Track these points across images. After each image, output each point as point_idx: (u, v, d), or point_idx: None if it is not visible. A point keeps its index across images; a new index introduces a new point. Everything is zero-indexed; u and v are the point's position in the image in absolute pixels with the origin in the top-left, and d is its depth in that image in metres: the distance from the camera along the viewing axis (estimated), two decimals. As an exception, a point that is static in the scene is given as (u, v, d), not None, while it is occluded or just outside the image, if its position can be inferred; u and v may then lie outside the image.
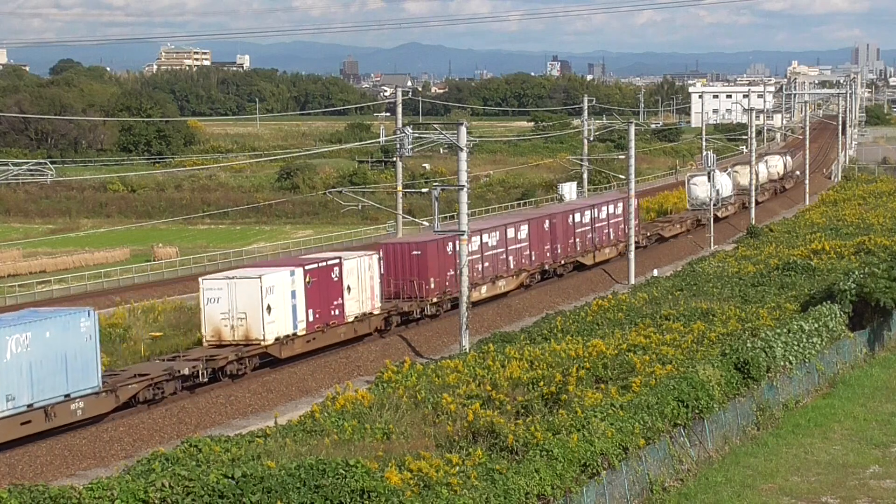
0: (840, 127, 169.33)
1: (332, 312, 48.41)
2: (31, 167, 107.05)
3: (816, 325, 45.20)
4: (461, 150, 49.18)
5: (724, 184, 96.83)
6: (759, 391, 39.05)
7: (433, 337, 54.29)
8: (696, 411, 35.01)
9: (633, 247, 71.70)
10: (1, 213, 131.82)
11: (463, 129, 49.44)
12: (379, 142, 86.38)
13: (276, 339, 45.03)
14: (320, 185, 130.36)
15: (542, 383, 38.78)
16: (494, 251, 60.41)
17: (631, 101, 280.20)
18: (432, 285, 54.36)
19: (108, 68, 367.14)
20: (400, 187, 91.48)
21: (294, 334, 46.17)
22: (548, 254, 66.16)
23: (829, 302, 48.89)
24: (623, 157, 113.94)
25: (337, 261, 49.02)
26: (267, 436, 33.85)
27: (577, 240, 69.80)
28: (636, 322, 50.31)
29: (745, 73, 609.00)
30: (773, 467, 34.57)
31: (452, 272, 54.86)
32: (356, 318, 50.07)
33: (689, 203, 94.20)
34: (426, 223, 62.38)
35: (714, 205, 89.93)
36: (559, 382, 38.44)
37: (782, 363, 40.85)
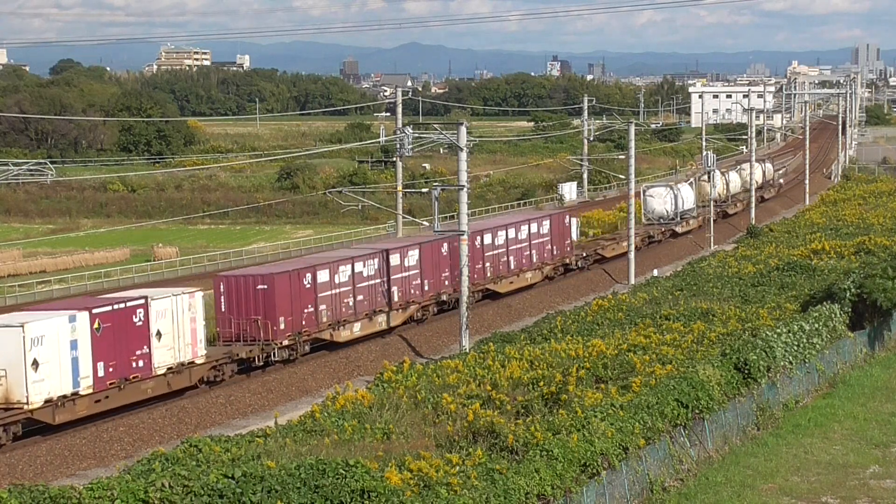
0: (840, 127, 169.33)
1: (135, 364, 40.03)
2: (31, 167, 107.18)
3: (816, 325, 45.20)
4: (461, 150, 49.18)
5: (686, 196, 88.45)
6: (759, 391, 39.05)
7: (433, 337, 54.29)
8: (696, 411, 35.01)
9: (632, 247, 71.69)
10: (1, 213, 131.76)
11: (463, 129, 49.45)
12: (379, 142, 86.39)
13: (48, 400, 36.55)
14: (320, 185, 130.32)
15: (542, 383, 38.78)
16: (370, 282, 50.91)
17: (631, 101, 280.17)
18: (282, 325, 45.40)
19: (108, 68, 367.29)
20: (400, 187, 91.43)
21: (75, 394, 37.56)
22: (446, 282, 56.39)
23: (829, 302, 48.89)
24: (623, 157, 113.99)
25: (141, 301, 40.41)
26: (267, 436, 33.85)
27: (488, 264, 60.16)
28: (636, 322, 50.31)
29: (745, 73, 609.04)
30: (773, 467, 34.57)
31: (311, 308, 46.79)
32: (170, 369, 41.35)
33: (645, 217, 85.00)
34: (426, 223, 62.39)
35: (672, 219, 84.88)
36: (559, 382, 38.44)
37: (782, 363, 40.86)
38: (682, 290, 59.56)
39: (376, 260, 51.46)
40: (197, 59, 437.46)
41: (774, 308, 52.15)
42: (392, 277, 52.24)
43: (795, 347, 42.45)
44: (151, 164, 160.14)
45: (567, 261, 69.39)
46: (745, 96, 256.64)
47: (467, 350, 47.80)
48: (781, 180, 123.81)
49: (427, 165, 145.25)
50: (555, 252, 67.33)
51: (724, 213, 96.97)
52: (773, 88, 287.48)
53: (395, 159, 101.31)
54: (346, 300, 49.04)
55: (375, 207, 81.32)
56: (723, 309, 51.68)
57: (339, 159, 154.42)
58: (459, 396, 37.53)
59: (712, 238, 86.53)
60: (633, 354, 42.14)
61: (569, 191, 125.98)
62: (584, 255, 72.64)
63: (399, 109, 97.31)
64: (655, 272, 72.45)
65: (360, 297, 49.90)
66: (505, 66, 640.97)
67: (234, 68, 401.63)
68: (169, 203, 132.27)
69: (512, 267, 62.76)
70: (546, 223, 66.82)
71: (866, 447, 36.67)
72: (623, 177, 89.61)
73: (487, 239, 60.17)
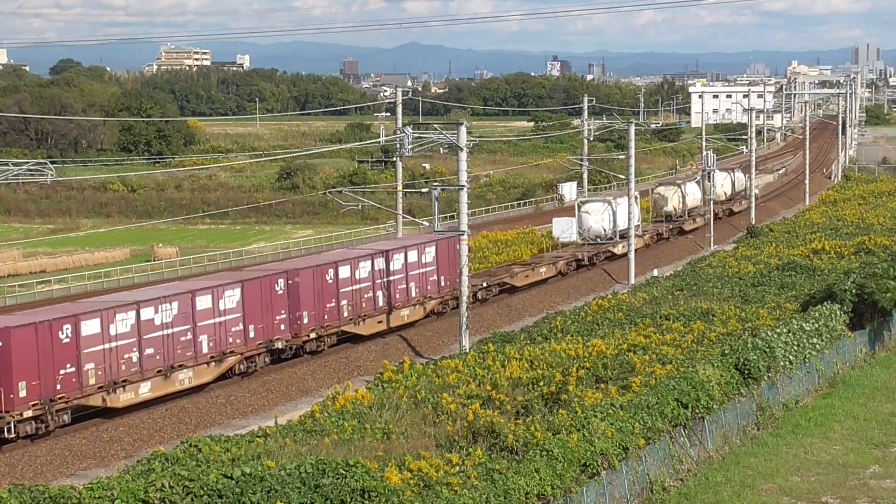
0: (840, 127, 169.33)
1: None
2: (31, 167, 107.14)
3: (816, 325, 45.20)
4: (461, 150, 49.19)
5: (627, 211, 75.77)
6: (759, 391, 39.05)
7: (433, 337, 54.29)
8: (696, 411, 35.01)
9: (632, 246, 71.67)
10: (1, 213, 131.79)
11: (463, 129, 49.45)
12: (379, 142, 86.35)
13: None
14: (320, 185, 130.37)
15: (542, 383, 38.78)
16: (170, 330, 41.12)
17: (631, 101, 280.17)
18: (23, 392, 35.84)
19: (109, 68, 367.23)
20: (400, 187, 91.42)
21: None
22: (282, 326, 46.08)
23: (829, 302, 48.88)
24: (623, 157, 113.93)
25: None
26: (267, 436, 33.85)
27: (345, 302, 49.08)
28: (636, 322, 50.32)
29: (745, 73, 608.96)
30: (773, 467, 34.57)
31: (65, 371, 37.26)
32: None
33: (579, 235, 75.91)
34: (426, 223, 62.37)
35: (609, 238, 75.65)
36: (559, 382, 38.44)
37: (782, 363, 40.85)
38: (682, 290, 59.57)
39: (177, 302, 41.35)
40: (197, 59, 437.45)
41: (774, 308, 52.15)
42: (199, 324, 42.19)
43: (795, 347, 42.44)
44: (151, 164, 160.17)
45: (472, 290, 56.05)
46: (745, 96, 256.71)
47: (467, 350, 47.80)
48: (757, 190, 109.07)
49: (427, 165, 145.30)
50: (443, 283, 55.83)
51: (680, 230, 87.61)
52: (773, 88, 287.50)
53: (395, 159, 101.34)
54: (126, 355, 39.23)
55: (375, 207, 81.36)
56: (723, 309, 51.68)
57: (339, 159, 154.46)
58: (459, 396, 37.54)
59: (712, 238, 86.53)
60: (633, 354, 42.14)
61: (569, 191, 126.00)
62: (486, 285, 61.09)
63: (399, 109, 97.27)
64: (655, 272, 72.45)
65: (149, 351, 40.11)
66: (505, 66, 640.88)
67: (234, 68, 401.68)
68: (169, 203, 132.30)
69: (380, 304, 51.43)
70: (430, 250, 55.40)
71: (866, 447, 36.67)
72: (623, 177, 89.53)
73: (344, 272, 49.24)
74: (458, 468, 28.46)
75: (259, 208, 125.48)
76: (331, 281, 48.13)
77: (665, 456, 32.94)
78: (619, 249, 75.00)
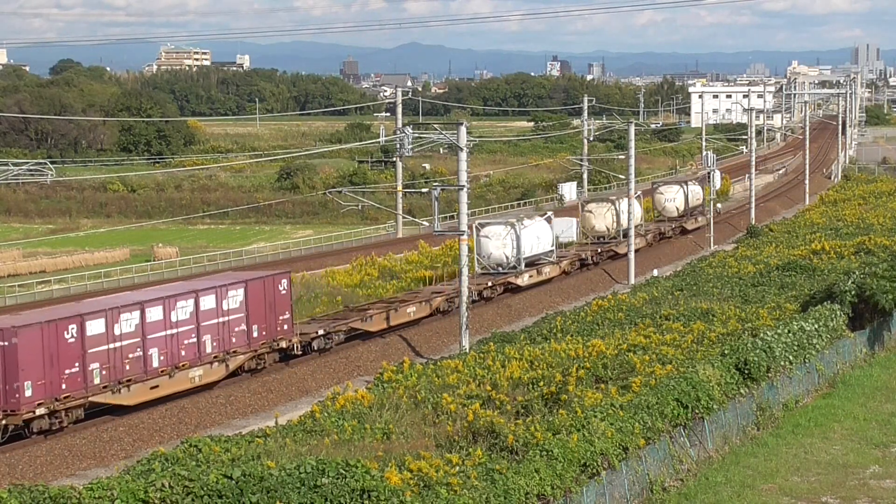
0: (840, 127, 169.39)
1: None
2: (31, 167, 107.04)
3: (816, 325, 45.19)
4: (461, 150, 49.19)
5: (536, 235, 66.68)
6: (759, 391, 39.04)
7: (433, 337, 54.29)
8: (696, 411, 35.00)
9: (632, 246, 71.69)
10: (1, 213, 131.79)
11: (463, 129, 49.45)
12: (379, 142, 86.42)
13: None
14: (320, 185, 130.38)
15: (542, 383, 38.78)
16: None
17: (631, 101, 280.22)
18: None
19: (108, 68, 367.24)
20: (400, 187, 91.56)
21: None
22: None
23: (829, 302, 48.88)
24: (623, 157, 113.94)
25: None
26: (267, 436, 33.84)
27: (95, 366, 37.97)
28: (636, 322, 50.31)
29: (745, 73, 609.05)
30: (773, 467, 34.57)
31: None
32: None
33: (479, 264, 64.34)
34: (426, 223, 62.36)
35: (513, 267, 63.98)
36: (559, 382, 38.44)
37: (782, 363, 40.85)
38: (682, 290, 59.56)
39: None
40: (197, 59, 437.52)
41: (774, 308, 52.13)
42: None
43: (795, 347, 42.43)
44: (151, 164, 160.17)
45: (283, 344, 46.38)
46: (745, 96, 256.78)
47: (467, 350, 47.80)
48: (720, 205, 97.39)
49: (427, 165, 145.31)
50: (256, 334, 44.95)
51: (614, 253, 76.41)
52: (772, 88, 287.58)
53: (395, 159, 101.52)
54: None
55: (375, 207, 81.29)
56: (723, 309, 51.67)
57: (339, 159, 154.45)
58: (459, 396, 37.53)
59: (712, 238, 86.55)
60: (633, 354, 42.13)
61: (569, 191, 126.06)
62: (321, 332, 48.45)
63: (399, 109, 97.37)
64: (655, 272, 72.47)
65: None
66: (505, 66, 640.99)
67: (234, 68, 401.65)
68: (169, 203, 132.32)
69: (156, 364, 40.60)
70: (236, 293, 44.15)
71: (866, 447, 36.66)
72: (623, 177, 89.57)
73: (97, 326, 38.33)
74: (458, 468, 28.45)
75: (259, 208, 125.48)
76: (72, 340, 37.39)
77: (665, 456, 32.93)
78: (523, 280, 64.10)
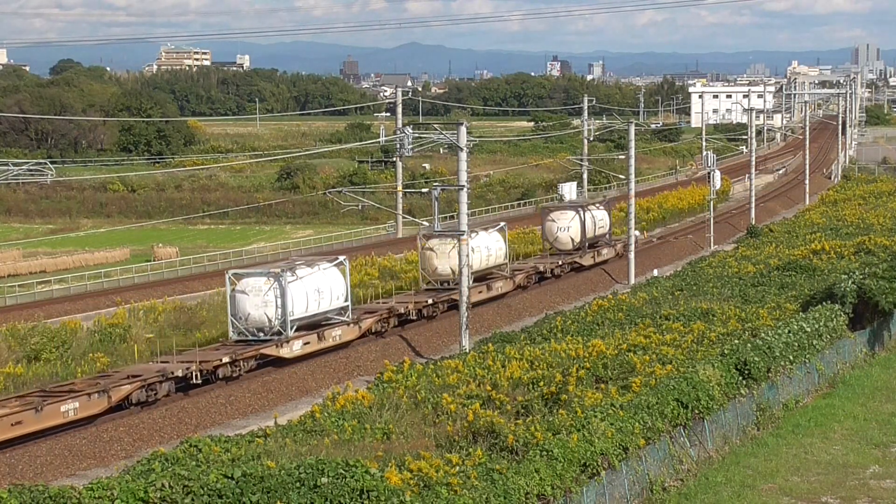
0: (840, 127, 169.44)
1: None
2: (31, 167, 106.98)
3: (816, 325, 45.19)
4: (461, 150, 49.19)
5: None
6: (759, 391, 39.05)
7: (433, 337, 54.28)
8: (696, 411, 35.00)
9: (632, 245, 71.69)
10: (1, 213, 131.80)
11: (463, 129, 49.46)
12: (379, 142, 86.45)
13: None
14: (320, 185, 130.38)
15: (542, 383, 38.77)
16: None
17: (631, 101, 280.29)
18: None
19: (108, 68, 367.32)
20: (400, 187, 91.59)
21: None
22: None
23: (829, 302, 48.89)
24: (623, 157, 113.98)
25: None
26: (267, 436, 33.84)
27: None
28: (636, 322, 50.30)
29: (745, 73, 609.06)
30: (773, 467, 34.57)
31: None
32: None
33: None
34: (426, 223, 62.36)
35: (276, 332, 47.32)
36: (559, 382, 38.43)
37: (782, 363, 40.85)
38: (682, 290, 59.55)
39: None
40: (197, 59, 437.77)
41: (774, 308, 52.13)
42: None
43: (795, 347, 42.44)
44: (151, 164, 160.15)
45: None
46: (745, 96, 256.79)
47: (467, 350, 47.81)
48: (638, 232, 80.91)
49: (427, 165, 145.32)
50: None
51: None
52: (773, 88, 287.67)
53: (395, 159, 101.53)
54: None
55: (375, 207, 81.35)
56: (723, 309, 51.66)
57: (339, 159, 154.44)
58: (459, 396, 37.53)
59: (712, 238, 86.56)
60: (633, 354, 42.13)
61: (569, 191, 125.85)
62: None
63: (399, 109, 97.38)
64: (655, 272, 72.47)
65: None
66: (505, 66, 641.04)
67: (234, 68, 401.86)
68: (169, 203, 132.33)
69: None
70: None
71: (866, 447, 36.66)
72: (623, 177, 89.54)
73: None
74: (458, 468, 28.44)
75: (259, 208, 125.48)
76: None
77: (665, 456, 32.93)
78: (289, 349, 48.92)
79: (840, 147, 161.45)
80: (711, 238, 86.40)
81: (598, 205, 78.09)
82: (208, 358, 43.43)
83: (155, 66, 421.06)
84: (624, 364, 41.01)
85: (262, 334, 46.98)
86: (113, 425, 38.67)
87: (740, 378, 38.17)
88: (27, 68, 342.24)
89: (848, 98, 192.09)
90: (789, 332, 43.11)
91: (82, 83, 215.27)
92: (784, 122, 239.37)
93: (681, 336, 45.95)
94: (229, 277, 48.07)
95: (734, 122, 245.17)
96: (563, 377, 39.04)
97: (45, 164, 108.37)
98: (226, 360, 43.82)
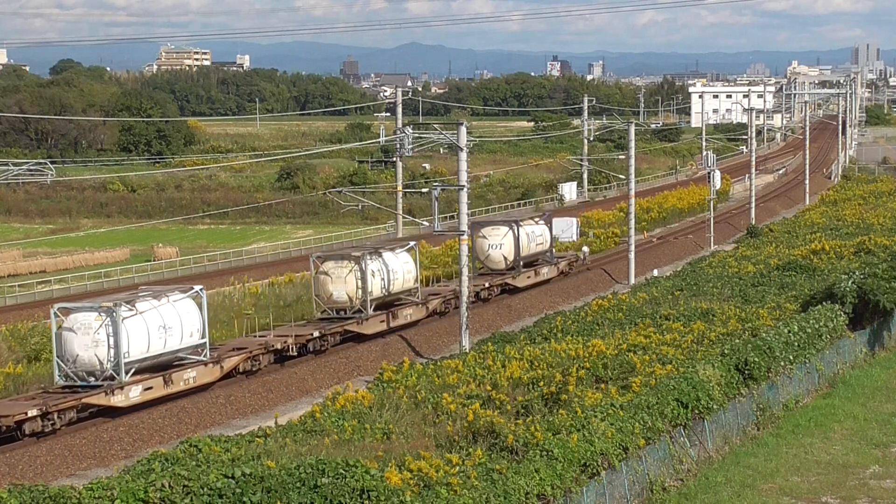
0: (840, 127, 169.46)
1: None
2: (31, 167, 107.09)
3: (817, 325, 45.20)
4: (461, 150, 49.20)
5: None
6: (759, 391, 39.04)
7: (433, 337, 54.27)
8: (696, 411, 35.00)
9: (632, 246, 71.68)
10: (1, 213, 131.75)
11: (463, 129, 49.47)
12: (379, 142, 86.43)
13: None
14: (320, 185, 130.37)
15: (542, 383, 38.77)
16: None
17: (631, 101, 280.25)
18: None
19: (108, 68, 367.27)
20: (400, 187, 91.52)
21: None
22: None
23: (829, 302, 48.88)
24: (623, 157, 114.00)
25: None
26: (267, 436, 33.85)
27: None
28: (636, 322, 50.29)
29: (745, 73, 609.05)
30: (773, 467, 34.56)
31: None
32: None
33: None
34: (426, 223, 62.34)
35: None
36: (559, 382, 38.43)
37: (782, 363, 40.85)
38: (682, 290, 59.54)
39: None
40: (197, 59, 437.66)
41: (774, 308, 52.13)
42: None
43: (795, 347, 42.44)
44: (151, 164, 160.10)
45: None
46: (745, 96, 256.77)
47: (467, 350, 47.82)
48: (586, 248, 76.98)
49: (427, 165, 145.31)
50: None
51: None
52: (773, 88, 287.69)
53: (395, 159, 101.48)
54: None
55: (375, 207, 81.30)
56: (723, 309, 51.66)
57: (339, 159, 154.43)
58: (459, 396, 37.53)
59: (712, 238, 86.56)
60: (633, 354, 42.13)
61: (569, 191, 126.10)
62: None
63: (399, 109, 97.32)
64: (655, 272, 72.47)
65: None
66: (505, 66, 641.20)
67: (234, 68, 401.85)
68: (169, 203, 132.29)
69: None
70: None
71: (866, 447, 36.66)
72: (623, 177, 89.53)
73: None
74: (458, 468, 28.44)
75: (259, 208, 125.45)
76: None
77: (665, 456, 32.93)
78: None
79: (840, 147, 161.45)
80: (711, 238, 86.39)
81: (536, 219, 70.78)
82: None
83: (155, 66, 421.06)
84: (624, 364, 41.01)
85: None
86: (113, 425, 38.67)
87: (740, 378, 38.17)
88: (27, 68, 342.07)
89: (848, 98, 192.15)
90: (789, 332, 43.11)
91: (82, 83, 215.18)
92: (784, 122, 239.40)
93: (681, 336, 45.95)
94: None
95: (734, 122, 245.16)
96: (563, 377, 39.04)
97: (45, 164, 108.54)
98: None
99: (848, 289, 49.47)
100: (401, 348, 51.80)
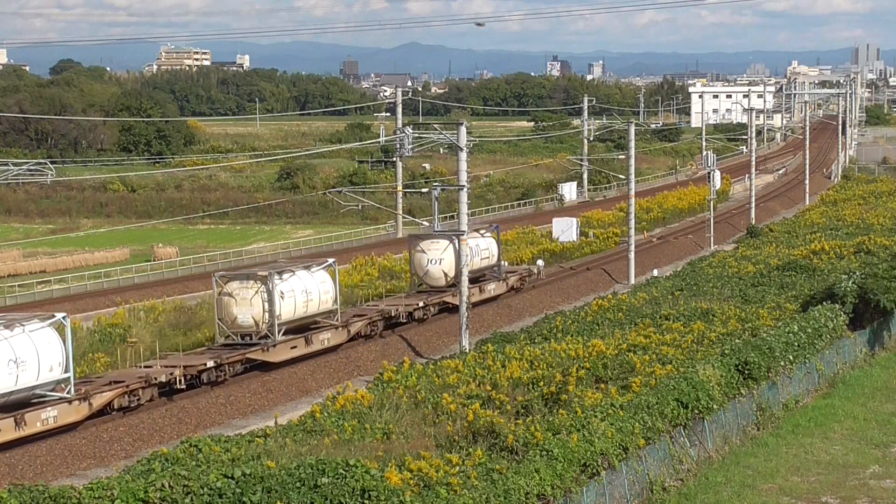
0: (840, 127, 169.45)
1: None
2: (31, 167, 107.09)
3: (816, 325, 45.19)
4: (461, 150, 49.20)
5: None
6: (759, 391, 39.04)
7: (433, 337, 54.27)
8: (696, 411, 35.00)
9: (633, 245, 71.69)
10: (1, 213, 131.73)
11: (463, 129, 49.48)
12: (379, 142, 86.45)
13: None
14: (320, 185, 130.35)
15: (542, 383, 38.77)
16: None
17: (631, 101, 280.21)
18: None
19: (109, 68, 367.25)
20: (400, 187, 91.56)
21: None
22: None
23: (829, 302, 48.88)
24: (623, 157, 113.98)
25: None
26: (267, 436, 33.84)
27: None
28: (636, 322, 50.30)
29: (745, 73, 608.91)
30: (773, 467, 34.57)
31: None
32: None
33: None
34: (426, 223, 62.33)
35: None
36: (559, 382, 38.43)
37: (782, 363, 40.85)
38: (682, 290, 59.54)
39: None
40: (197, 59, 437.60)
41: (774, 308, 52.13)
42: None
43: (795, 347, 42.44)
44: (151, 164, 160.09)
45: None
46: (745, 96, 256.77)
47: (467, 350, 47.81)
48: (541, 262, 72.19)
49: (427, 165, 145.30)
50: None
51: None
52: (773, 88, 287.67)
53: (395, 159, 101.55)
54: None
55: (375, 207, 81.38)
56: (723, 309, 51.66)
57: (339, 159, 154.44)
58: (459, 396, 37.52)
59: (712, 238, 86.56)
60: (633, 354, 42.13)
61: (569, 191, 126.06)
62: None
63: (399, 109, 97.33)
64: (655, 272, 72.47)
65: None
66: (505, 66, 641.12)
67: (234, 68, 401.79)
68: (169, 203, 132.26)
69: None
70: None
71: (866, 447, 36.66)
72: (623, 177, 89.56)
73: None
74: (458, 468, 28.44)
75: (259, 208, 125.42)
76: None
77: (665, 456, 32.93)
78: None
79: (840, 147, 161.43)
80: (711, 238, 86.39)
81: (482, 231, 64.10)
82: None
83: (155, 66, 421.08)
84: (624, 364, 41.00)
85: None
86: (113, 425, 38.67)
87: (740, 378, 38.17)
88: (27, 68, 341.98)
89: (848, 98, 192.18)
90: (789, 332, 43.11)
91: (82, 83, 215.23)
92: (784, 122, 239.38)
93: (681, 336, 45.95)
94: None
95: (734, 122, 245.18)
96: (563, 377, 39.03)
97: (45, 164, 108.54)
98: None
99: (848, 289, 49.47)
100: (401, 348, 51.81)
